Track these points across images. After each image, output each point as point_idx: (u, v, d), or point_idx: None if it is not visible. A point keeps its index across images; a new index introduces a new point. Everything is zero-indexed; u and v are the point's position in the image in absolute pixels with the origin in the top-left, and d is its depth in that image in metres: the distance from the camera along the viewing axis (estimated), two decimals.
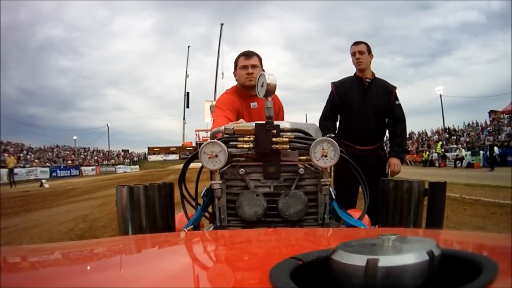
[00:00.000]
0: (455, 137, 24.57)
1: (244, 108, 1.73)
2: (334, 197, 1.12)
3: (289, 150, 1.01)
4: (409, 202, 1.08)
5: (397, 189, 1.10)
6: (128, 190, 1.07)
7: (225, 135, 1.04)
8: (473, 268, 0.36)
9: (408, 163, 23.28)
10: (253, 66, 1.71)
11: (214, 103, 2.62)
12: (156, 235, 0.98)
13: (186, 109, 34.90)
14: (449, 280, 0.37)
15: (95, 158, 37.79)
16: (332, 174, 1.08)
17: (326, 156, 0.95)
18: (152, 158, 44.79)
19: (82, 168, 29.41)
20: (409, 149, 26.29)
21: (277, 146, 0.99)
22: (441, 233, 0.82)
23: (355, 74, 2.41)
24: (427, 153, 22.95)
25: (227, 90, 1.84)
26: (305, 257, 0.42)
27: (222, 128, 1.05)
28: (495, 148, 15.86)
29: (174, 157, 42.79)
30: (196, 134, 26.58)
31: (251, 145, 1.00)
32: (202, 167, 1.06)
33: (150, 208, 1.08)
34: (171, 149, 44.91)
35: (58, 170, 25.93)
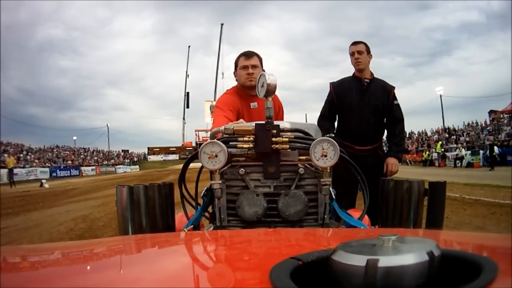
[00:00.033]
0: (455, 137, 24.58)
1: (244, 108, 1.73)
2: (334, 197, 1.12)
3: (289, 150, 1.01)
4: (409, 202, 1.08)
5: (397, 189, 1.10)
6: (128, 190, 1.07)
7: (225, 135, 1.04)
8: (473, 269, 0.36)
9: (408, 162, 23.29)
10: (254, 66, 1.71)
11: (214, 103, 2.62)
12: (156, 235, 0.98)
13: (186, 109, 34.87)
14: (449, 280, 0.37)
15: (95, 158, 37.79)
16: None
17: (326, 156, 0.95)
18: (152, 158, 44.79)
19: (82, 168, 29.41)
20: (409, 148, 26.30)
21: (277, 146, 0.99)
22: (441, 234, 0.82)
23: (353, 74, 2.41)
24: (427, 152, 22.95)
25: (227, 90, 1.84)
26: (305, 257, 0.42)
27: (222, 128, 1.05)
28: (495, 148, 15.87)
29: (174, 157, 42.80)
30: (196, 134, 26.55)
31: (251, 145, 1.00)
32: (202, 167, 1.06)
33: (150, 208, 1.08)
34: (171, 149, 44.91)
35: (58, 170, 25.93)
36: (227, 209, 1.03)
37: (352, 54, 2.34)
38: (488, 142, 18.23)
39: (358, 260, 0.34)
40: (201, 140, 22.12)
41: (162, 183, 1.13)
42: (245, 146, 1.01)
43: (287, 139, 1.00)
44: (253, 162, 1.04)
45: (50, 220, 5.06)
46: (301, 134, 1.05)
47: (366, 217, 1.25)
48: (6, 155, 21.58)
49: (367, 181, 1.12)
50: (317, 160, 0.96)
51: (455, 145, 21.95)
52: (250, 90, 1.71)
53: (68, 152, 35.17)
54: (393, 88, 2.39)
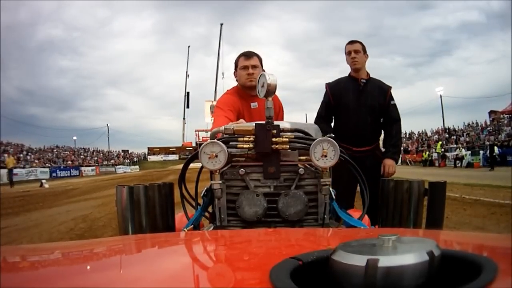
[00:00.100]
0: (455, 137, 24.59)
1: (245, 108, 1.73)
2: (334, 197, 1.12)
3: (289, 150, 1.01)
4: (409, 202, 1.08)
5: (397, 189, 1.10)
6: (128, 190, 1.07)
7: (225, 135, 1.04)
8: (473, 269, 0.36)
9: (408, 163, 23.30)
10: (254, 67, 1.71)
11: (214, 103, 2.62)
12: (156, 235, 0.98)
13: (186, 109, 34.92)
14: (449, 280, 0.37)
15: (95, 158, 37.79)
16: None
17: (326, 156, 0.95)
18: (152, 158, 44.79)
19: (82, 168, 29.40)
20: (409, 149, 26.32)
21: (277, 146, 0.99)
22: (441, 234, 0.82)
23: (349, 74, 2.38)
24: (427, 153, 22.95)
25: (227, 90, 1.85)
26: (305, 257, 0.42)
27: (222, 128, 1.05)
28: (495, 148, 15.87)
29: (174, 157, 42.79)
30: (196, 134, 26.57)
31: (251, 145, 1.00)
32: (202, 167, 1.06)
33: (150, 208, 1.08)
34: (171, 149, 44.90)
35: (58, 170, 25.92)
36: (227, 209, 1.03)
37: (348, 53, 2.31)
38: (489, 143, 18.22)
39: (358, 260, 0.34)
40: (201, 140, 22.14)
41: (162, 183, 1.13)
42: (245, 146, 1.01)
43: (287, 139, 1.00)
44: (253, 162, 1.04)
45: (50, 220, 5.06)
46: (301, 134, 1.05)
47: (366, 217, 1.25)
48: (6, 155, 21.57)
49: (366, 182, 1.12)
50: (317, 160, 0.96)
51: (455, 145, 21.95)
52: (250, 90, 1.71)
53: (68, 152, 35.17)
54: (390, 88, 2.37)
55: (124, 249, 0.70)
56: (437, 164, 20.38)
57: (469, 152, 18.94)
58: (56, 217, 5.38)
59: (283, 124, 1.05)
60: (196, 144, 25.69)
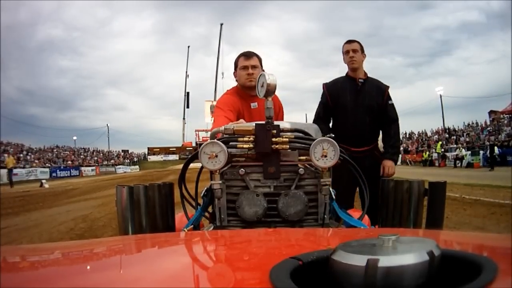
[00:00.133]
0: (455, 137, 24.59)
1: (245, 108, 1.73)
2: (334, 197, 1.12)
3: (289, 150, 1.01)
4: (409, 202, 1.08)
5: (397, 189, 1.10)
6: (128, 190, 1.07)
7: (225, 135, 1.04)
8: (473, 269, 0.36)
9: (408, 163, 23.31)
10: (253, 67, 1.71)
11: (214, 103, 2.62)
12: (156, 235, 0.98)
13: (186, 109, 34.92)
14: (449, 280, 0.37)
15: (95, 158, 37.79)
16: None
17: (326, 156, 0.95)
18: (152, 158, 44.78)
19: (82, 168, 29.40)
20: (409, 149, 26.32)
21: (277, 146, 0.99)
22: (441, 234, 0.82)
23: (347, 74, 2.37)
24: (427, 153, 22.96)
25: (227, 90, 1.85)
26: (305, 257, 0.42)
27: (222, 128, 1.05)
28: (495, 148, 15.87)
29: (174, 157, 42.77)
30: (196, 134, 26.59)
31: (251, 145, 1.00)
32: (202, 167, 1.06)
33: (150, 208, 1.08)
34: (171, 149, 44.88)
35: (58, 170, 25.92)
36: (227, 209, 1.03)
37: (346, 52, 2.30)
38: (489, 143, 18.22)
39: (358, 260, 0.34)
40: (201, 140, 22.15)
41: (162, 183, 1.13)
42: (245, 146, 1.01)
43: (287, 139, 1.00)
44: (253, 162, 1.04)
45: (50, 220, 5.06)
46: (301, 134, 1.05)
47: (366, 217, 1.25)
48: (6, 155, 21.56)
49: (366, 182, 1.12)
50: (317, 160, 0.96)
51: (455, 145, 21.95)
52: (250, 90, 1.71)
53: (68, 152, 35.17)
54: (387, 87, 2.35)
55: (124, 249, 0.70)
56: (437, 164, 20.38)
57: (469, 152, 18.95)
58: (56, 217, 5.38)
59: (283, 124, 1.05)
60: (196, 144, 25.70)
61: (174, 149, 44.05)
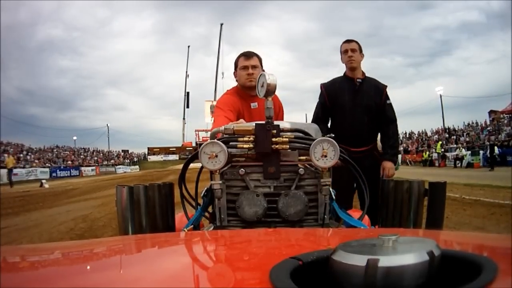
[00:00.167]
0: (455, 137, 24.59)
1: (245, 108, 1.73)
2: (334, 197, 1.12)
3: (289, 150, 1.01)
4: (409, 202, 1.08)
5: (397, 189, 1.11)
6: (128, 190, 1.07)
7: (225, 135, 1.04)
8: (473, 269, 0.36)
9: (408, 163, 23.30)
10: (253, 67, 1.71)
11: (214, 103, 2.62)
12: (156, 235, 0.98)
13: (186, 109, 34.92)
14: (449, 280, 0.37)
15: (95, 158, 37.80)
16: None
17: (326, 156, 0.95)
18: (152, 158, 44.77)
19: (82, 168, 29.39)
20: (409, 149, 26.32)
21: (277, 146, 0.99)
22: (441, 234, 0.82)
23: (345, 74, 2.36)
24: (427, 153, 22.95)
25: (227, 90, 1.85)
26: (305, 257, 0.42)
27: (222, 128, 1.05)
28: (495, 148, 15.87)
29: (174, 157, 42.76)
30: (196, 134, 26.59)
31: (251, 145, 1.00)
32: (202, 167, 1.06)
33: (150, 208, 1.08)
34: (171, 149, 44.87)
35: (58, 170, 25.92)
36: (227, 209, 1.03)
37: (345, 52, 2.29)
38: (489, 143, 18.22)
39: (358, 260, 0.34)
40: (201, 140, 22.15)
41: (162, 183, 1.13)
42: (245, 146, 1.01)
43: (287, 139, 1.00)
44: (253, 162, 1.04)
45: (50, 220, 5.06)
46: (301, 134, 1.05)
47: (366, 217, 1.25)
48: (6, 155, 21.56)
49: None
50: (317, 160, 0.96)
51: (455, 145, 21.96)
52: (250, 90, 1.71)
53: (68, 152, 35.18)
54: (385, 87, 2.34)
55: (124, 249, 0.70)
56: (437, 164, 20.38)
57: (469, 152, 18.94)
58: (56, 217, 5.38)
59: (283, 124, 1.05)
60: (196, 144, 25.71)
61: (174, 149, 44.04)
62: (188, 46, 36.70)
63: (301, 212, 0.99)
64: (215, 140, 0.99)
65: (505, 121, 22.15)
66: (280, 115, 1.90)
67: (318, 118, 2.38)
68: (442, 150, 21.58)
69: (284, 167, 1.03)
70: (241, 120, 1.43)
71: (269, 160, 1.01)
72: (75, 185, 14.01)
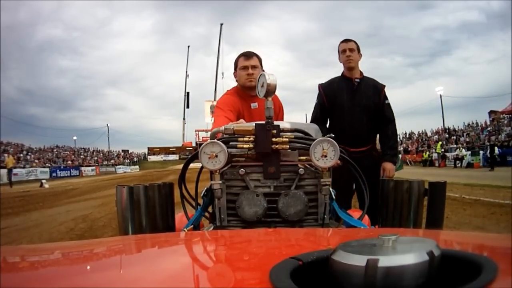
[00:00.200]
0: (455, 137, 24.59)
1: (245, 108, 1.73)
2: (334, 197, 1.12)
3: (289, 150, 1.01)
4: (409, 202, 1.08)
5: (397, 189, 1.11)
6: (128, 190, 1.07)
7: (225, 135, 1.04)
8: (473, 269, 0.36)
9: (408, 163, 23.29)
10: (253, 67, 1.71)
11: (214, 103, 2.61)
12: (156, 235, 0.98)
13: (186, 109, 34.93)
14: (449, 280, 0.37)
15: (95, 158, 37.79)
16: None
17: (326, 156, 0.95)
18: (152, 158, 44.74)
19: (82, 168, 29.39)
20: (409, 149, 26.32)
21: (277, 146, 0.99)
22: (441, 234, 0.82)
23: (343, 74, 2.35)
24: (427, 153, 22.96)
25: (227, 90, 1.85)
26: (305, 257, 0.42)
27: (222, 128, 1.05)
28: (495, 148, 15.87)
29: (174, 157, 42.74)
30: (196, 134, 26.60)
31: (251, 145, 1.00)
32: (202, 167, 1.06)
33: (150, 208, 1.08)
34: (171, 149, 44.84)
35: (58, 170, 25.91)
36: (227, 209, 1.03)
37: (343, 51, 2.28)
38: (490, 143, 18.22)
39: (358, 260, 0.34)
40: (201, 140, 22.17)
41: (162, 183, 1.13)
42: (245, 146, 1.01)
43: (287, 139, 1.00)
44: (253, 162, 1.04)
45: (50, 220, 5.06)
46: (301, 134, 1.05)
47: (366, 217, 1.25)
48: (6, 155, 21.56)
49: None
50: (317, 160, 0.96)
51: (455, 146, 21.95)
52: (250, 90, 1.71)
53: (68, 152, 35.18)
54: (384, 86, 2.34)
55: (124, 249, 0.70)
56: (437, 164, 20.38)
57: (469, 152, 18.94)
58: (56, 217, 5.38)
59: (283, 124, 1.05)
60: (196, 144, 25.73)
61: (174, 149, 44.01)
62: (188, 46, 36.77)
63: (301, 212, 0.99)
64: (215, 140, 0.99)
65: (505, 121, 22.15)
66: (280, 115, 1.90)
67: (317, 118, 2.37)
68: (442, 150, 21.58)
69: (284, 167, 1.03)
70: (241, 120, 1.43)
71: (269, 160, 1.01)
72: (75, 185, 14.01)
